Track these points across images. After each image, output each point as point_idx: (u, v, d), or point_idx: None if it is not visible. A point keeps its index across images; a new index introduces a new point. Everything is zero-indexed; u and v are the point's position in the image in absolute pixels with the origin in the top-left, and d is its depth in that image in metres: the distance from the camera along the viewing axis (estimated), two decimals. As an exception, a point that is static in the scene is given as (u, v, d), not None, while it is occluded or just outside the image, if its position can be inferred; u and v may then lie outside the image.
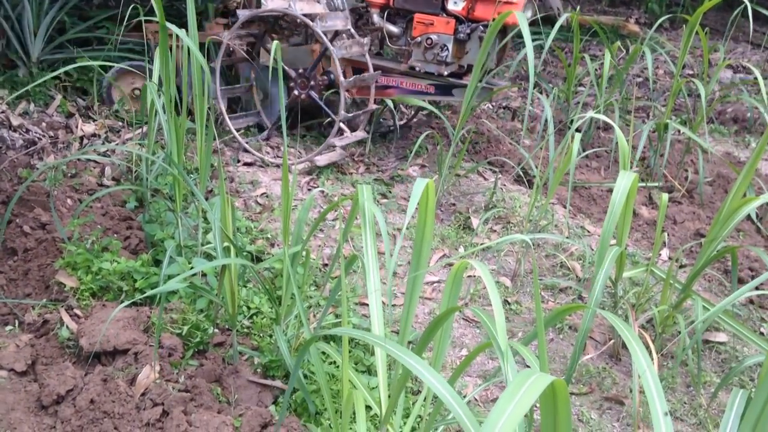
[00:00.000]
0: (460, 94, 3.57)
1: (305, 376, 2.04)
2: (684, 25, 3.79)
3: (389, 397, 1.62)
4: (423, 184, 1.44)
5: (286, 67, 3.61)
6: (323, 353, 2.11)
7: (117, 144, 3.44)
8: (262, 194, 3.29)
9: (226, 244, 2.02)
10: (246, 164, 3.56)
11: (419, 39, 3.55)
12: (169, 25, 2.09)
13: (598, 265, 1.98)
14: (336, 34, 3.67)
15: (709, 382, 2.40)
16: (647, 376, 1.24)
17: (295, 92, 3.66)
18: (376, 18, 3.76)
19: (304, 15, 3.40)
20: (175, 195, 2.42)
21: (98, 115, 3.72)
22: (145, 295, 1.65)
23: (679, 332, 2.31)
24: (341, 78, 3.38)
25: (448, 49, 3.51)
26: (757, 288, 2.94)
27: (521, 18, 2.85)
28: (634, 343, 1.33)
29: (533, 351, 2.48)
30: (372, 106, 3.70)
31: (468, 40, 3.47)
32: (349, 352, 2.22)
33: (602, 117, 2.32)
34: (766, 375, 1.07)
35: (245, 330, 2.29)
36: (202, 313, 2.24)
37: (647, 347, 2.25)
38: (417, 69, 3.62)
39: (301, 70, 3.62)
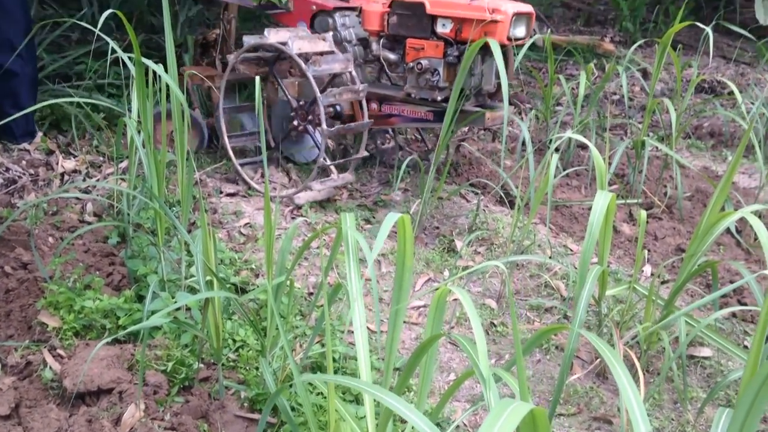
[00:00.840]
0: (459, 119, 3.46)
1: (293, 408, 2.03)
2: (657, 43, 3.86)
3: (377, 426, 1.62)
4: (392, 219, 1.45)
5: (289, 96, 3.60)
6: (310, 384, 2.10)
7: (98, 180, 3.43)
8: (246, 224, 3.29)
9: (209, 277, 2.01)
10: (229, 195, 3.56)
11: (411, 65, 3.48)
12: (145, 60, 2.10)
13: (579, 285, 1.99)
14: (335, 77, 3.60)
15: (696, 397, 2.41)
16: (630, 396, 1.25)
17: (295, 122, 3.63)
18: (374, 46, 3.69)
19: (303, 54, 3.36)
20: (157, 229, 2.41)
21: (79, 151, 3.72)
22: (126, 331, 1.64)
23: (665, 349, 2.33)
24: (324, 125, 3.33)
25: (439, 73, 3.42)
26: (740, 302, 2.97)
27: (494, 45, 2.89)
28: (616, 364, 1.34)
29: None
30: (362, 153, 3.62)
31: (458, 63, 3.36)
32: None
33: (578, 137, 2.35)
34: (745, 389, 1.08)
35: (231, 363, 2.28)
36: (186, 348, 2.23)
37: (633, 365, 2.26)
38: (412, 96, 3.55)
39: (302, 102, 3.58)
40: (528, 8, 3.42)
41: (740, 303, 2.95)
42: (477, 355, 1.29)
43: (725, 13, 7.19)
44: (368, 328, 2.65)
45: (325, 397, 2.05)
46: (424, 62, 3.41)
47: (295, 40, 3.40)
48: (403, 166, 3.44)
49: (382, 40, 3.64)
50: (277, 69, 3.77)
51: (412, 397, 2.24)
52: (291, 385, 2.03)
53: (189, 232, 2.94)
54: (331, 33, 3.71)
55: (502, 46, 3.45)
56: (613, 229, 3.27)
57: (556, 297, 2.91)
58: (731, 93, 3.99)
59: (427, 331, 1.51)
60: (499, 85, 3.59)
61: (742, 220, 3.42)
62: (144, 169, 2.37)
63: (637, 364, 2.24)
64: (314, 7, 3.84)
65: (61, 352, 2.20)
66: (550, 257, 3.15)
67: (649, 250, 3.34)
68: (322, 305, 2.61)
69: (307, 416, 1.74)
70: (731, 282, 3.09)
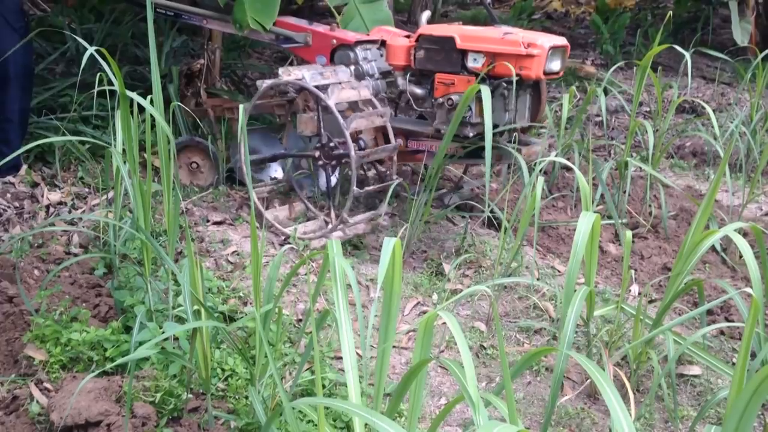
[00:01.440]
0: (491, 156, 3.19)
1: (283, 437, 2.01)
2: (637, 66, 3.92)
3: (368, 453, 1.61)
4: (391, 243, 1.46)
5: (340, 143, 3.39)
6: (300, 412, 2.09)
7: (83, 211, 3.42)
8: (233, 252, 3.28)
9: (196, 306, 2.01)
10: (216, 223, 3.56)
11: (441, 100, 3.34)
12: (130, 93, 2.11)
13: (565, 306, 2.00)
14: (356, 105, 3.49)
15: (687, 416, 2.41)
16: (620, 417, 1.25)
17: (320, 163, 3.48)
18: (399, 81, 3.56)
19: (320, 87, 3.27)
20: (144, 259, 2.41)
21: (64, 183, 3.71)
22: (114, 363, 1.63)
23: (654, 368, 2.33)
24: (352, 152, 3.18)
25: (471, 108, 3.25)
26: (727, 320, 2.99)
27: (484, 91, 2.96)
28: (605, 384, 1.34)
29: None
30: (393, 179, 3.43)
31: (491, 99, 3.16)
32: (328, 409, 2.21)
33: (561, 159, 2.37)
34: (732, 407, 1.09)
35: (220, 393, 2.26)
36: (175, 379, 2.21)
37: (623, 385, 2.27)
38: (442, 132, 3.37)
39: (325, 140, 3.36)
40: (563, 41, 3.33)
41: (727, 320, 2.97)
42: (466, 379, 1.29)
43: (703, 35, 7.32)
44: (357, 353, 2.65)
45: (316, 425, 2.04)
46: (455, 98, 3.29)
47: (313, 75, 3.30)
48: (390, 191, 3.43)
49: (408, 75, 3.52)
50: (295, 105, 3.63)
51: (404, 423, 2.22)
52: (281, 414, 2.02)
53: (176, 261, 2.93)
54: (352, 67, 3.64)
55: (537, 81, 3.37)
56: (599, 249, 3.29)
57: (545, 318, 2.92)
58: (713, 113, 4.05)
59: (415, 356, 1.51)
60: (532, 121, 3.54)
61: (726, 238, 3.46)
62: (130, 200, 2.37)
63: (627, 383, 2.25)
64: (334, 41, 3.75)
65: (47, 385, 2.18)
66: (537, 279, 3.16)
67: (635, 270, 3.36)
68: (311, 332, 2.60)
69: (297, 445, 1.73)
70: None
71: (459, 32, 3.35)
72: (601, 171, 3.62)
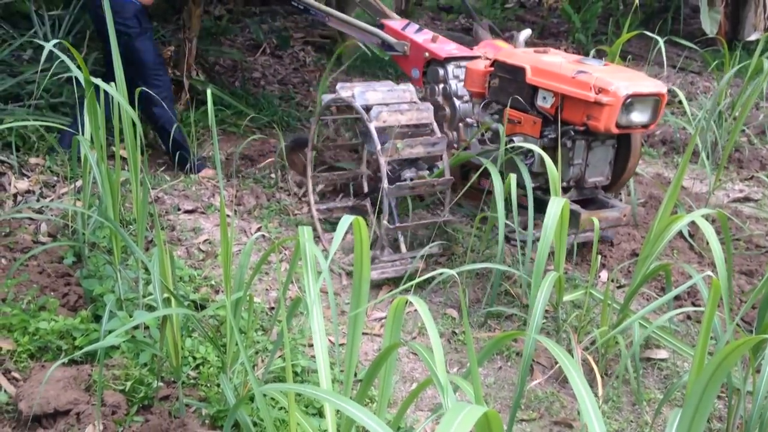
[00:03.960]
0: None
1: (255, 424, 2.02)
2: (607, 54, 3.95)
3: (338, 438, 1.62)
4: (347, 221, 1.46)
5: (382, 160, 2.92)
6: (272, 399, 2.09)
7: (52, 200, 3.38)
8: (205, 241, 3.26)
9: (166, 295, 2.00)
10: (187, 211, 3.53)
11: (506, 139, 2.81)
12: (94, 80, 2.08)
13: (534, 291, 2.02)
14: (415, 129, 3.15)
15: (654, 399, 2.45)
16: (585, 400, 1.27)
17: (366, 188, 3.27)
18: (476, 109, 3.13)
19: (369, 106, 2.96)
20: (113, 248, 2.38)
21: (32, 171, 3.65)
22: (82, 351, 1.61)
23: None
24: (385, 183, 2.83)
25: (533, 156, 2.76)
26: (693, 304, 3.04)
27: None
28: (571, 368, 1.36)
29: (482, 380, 2.51)
30: (446, 217, 3.02)
31: (555, 147, 2.68)
32: (299, 395, 2.21)
33: (532, 146, 2.39)
34: (692, 388, 1.11)
35: (192, 381, 2.25)
36: (145, 367, 2.20)
37: (591, 369, 2.30)
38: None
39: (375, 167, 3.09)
40: (653, 88, 2.67)
41: (694, 305, 3.02)
42: (435, 363, 1.31)
43: (674, 24, 7.40)
44: (330, 341, 2.65)
45: (287, 411, 2.04)
46: (517, 140, 2.80)
47: (366, 92, 3.02)
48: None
49: (482, 104, 3.09)
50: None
51: (375, 408, 2.24)
52: (252, 400, 2.02)
53: (147, 249, 2.91)
54: (441, 85, 3.35)
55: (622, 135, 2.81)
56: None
57: (517, 304, 2.95)
58: (681, 101, 4.10)
59: (385, 341, 1.52)
60: (615, 180, 2.93)
61: (694, 224, 3.51)
62: (99, 188, 2.34)
63: (595, 367, 2.28)
64: (427, 54, 3.47)
65: (15, 374, 2.16)
66: (509, 266, 3.19)
67: (605, 256, 3.40)
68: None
69: (268, 431, 1.74)
70: (685, 285, 3.16)
71: (532, 63, 2.82)
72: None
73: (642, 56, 7.06)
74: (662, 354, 2.68)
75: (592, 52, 3.55)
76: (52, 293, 2.50)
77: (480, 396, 1.10)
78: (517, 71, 2.82)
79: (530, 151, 2.69)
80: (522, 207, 2.74)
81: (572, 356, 1.86)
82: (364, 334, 2.70)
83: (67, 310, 2.44)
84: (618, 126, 2.59)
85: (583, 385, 1.31)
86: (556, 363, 2.59)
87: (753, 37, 7.09)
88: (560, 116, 2.67)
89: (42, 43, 2.20)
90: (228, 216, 3.30)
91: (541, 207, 2.62)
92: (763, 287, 2.09)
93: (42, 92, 4.00)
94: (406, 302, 1.46)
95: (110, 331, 2.16)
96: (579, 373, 1.34)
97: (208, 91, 1.96)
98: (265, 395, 1.93)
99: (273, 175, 3.96)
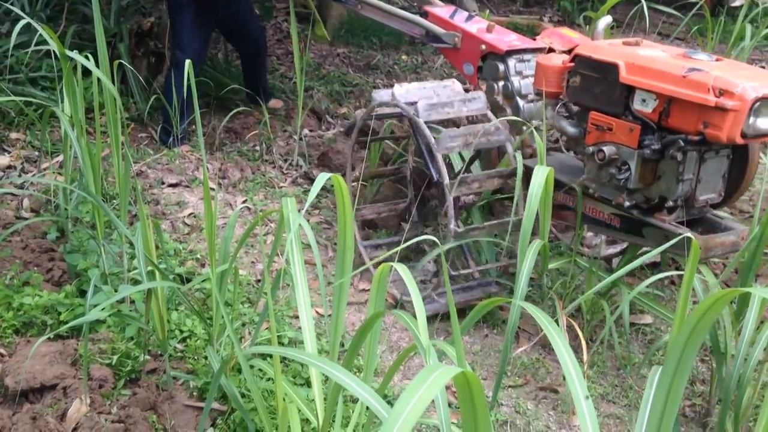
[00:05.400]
0: (654, 237, 2.34)
1: (243, 395, 2.02)
2: (592, 22, 3.93)
3: (325, 405, 1.63)
4: (324, 177, 1.45)
5: (432, 169, 2.72)
6: (260, 370, 2.10)
7: (33, 175, 3.34)
8: (190, 214, 3.25)
9: (150, 268, 1.99)
10: (171, 185, 3.51)
11: (592, 149, 2.41)
12: (73, 54, 2.05)
13: (520, 259, 2.03)
14: (453, 124, 2.81)
15: (637, 363, 2.49)
16: (568, 364, 1.28)
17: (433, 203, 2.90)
18: (549, 112, 2.58)
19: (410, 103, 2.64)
20: (96, 223, 2.37)
21: (13, 147, 3.61)
22: (67, 326, 1.61)
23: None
24: (452, 224, 2.50)
25: (630, 169, 2.33)
26: (677, 269, 3.06)
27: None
28: (555, 334, 1.37)
29: (469, 348, 2.53)
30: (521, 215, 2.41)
31: (660, 160, 2.30)
32: (287, 366, 2.22)
33: (516, 118, 2.38)
34: (673, 345, 1.12)
35: (179, 354, 2.26)
36: (132, 341, 2.20)
37: (576, 336, 2.33)
38: (590, 191, 2.50)
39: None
40: None
41: (677, 270, 3.05)
42: (418, 329, 1.31)
43: (659, -10, 7.36)
44: (318, 312, 2.66)
45: (275, 382, 2.05)
46: (608, 150, 2.35)
47: (409, 90, 2.72)
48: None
49: (558, 105, 2.62)
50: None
51: (362, 377, 2.25)
52: (240, 371, 2.03)
53: (131, 224, 2.90)
54: (500, 83, 2.94)
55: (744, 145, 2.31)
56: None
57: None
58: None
59: (369, 309, 1.53)
60: (728, 196, 2.43)
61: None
62: (80, 163, 2.32)
63: (581, 333, 2.31)
64: (483, 46, 2.99)
65: (1, 350, 2.15)
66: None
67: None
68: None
69: (255, 400, 1.75)
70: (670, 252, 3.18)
71: (626, 58, 2.34)
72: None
73: (629, 24, 7.03)
74: (646, 319, 2.71)
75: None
76: (35, 268, 2.49)
77: (462, 358, 1.11)
78: (608, 68, 2.36)
79: (624, 163, 2.34)
80: (610, 227, 2.47)
81: (557, 323, 1.87)
82: (350, 304, 2.71)
83: (52, 285, 2.43)
84: (743, 136, 2.12)
85: (567, 351, 1.32)
86: (542, 330, 2.61)
87: (737, 3, 7.06)
88: (666, 123, 2.26)
89: (20, 14, 2.17)
90: (212, 189, 3.28)
91: (637, 230, 2.38)
92: (745, 251, 2.11)
93: (21, 66, 3.94)
94: (391, 269, 1.46)
95: (95, 306, 2.15)
96: (563, 339, 1.35)
97: (187, 62, 1.93)
98: (252, 366, 1.94)
99: (257, 148, 3.93)
